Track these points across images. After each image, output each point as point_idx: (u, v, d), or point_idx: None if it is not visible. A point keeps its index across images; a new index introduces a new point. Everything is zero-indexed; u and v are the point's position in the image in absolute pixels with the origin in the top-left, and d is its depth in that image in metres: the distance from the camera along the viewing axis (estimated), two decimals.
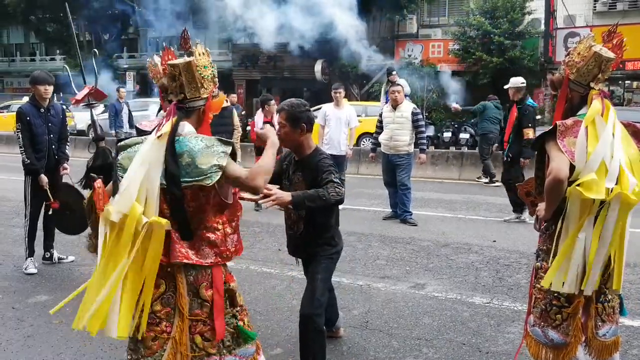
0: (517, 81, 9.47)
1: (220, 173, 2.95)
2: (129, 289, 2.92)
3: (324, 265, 4.07)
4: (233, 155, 3.05)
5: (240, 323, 3.21)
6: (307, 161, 4.00)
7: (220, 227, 3.12)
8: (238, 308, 3.23)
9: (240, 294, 3.33)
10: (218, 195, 3.05)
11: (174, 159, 2.94)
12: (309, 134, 4.02)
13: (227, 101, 10.12)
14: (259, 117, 10.77)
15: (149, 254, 2.90)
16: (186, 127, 3.08)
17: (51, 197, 6.51)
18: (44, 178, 6.47)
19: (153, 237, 2.89)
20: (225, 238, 3.13)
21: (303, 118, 3.95)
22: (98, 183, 3.06)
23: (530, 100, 9.59)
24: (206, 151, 2.97)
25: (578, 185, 3.18)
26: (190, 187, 2.95)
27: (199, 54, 3.09)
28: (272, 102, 10.62)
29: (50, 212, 6.64)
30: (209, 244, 3.08)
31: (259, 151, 10.81)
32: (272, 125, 10.59)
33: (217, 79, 3.22)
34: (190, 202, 2.99)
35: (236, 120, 9.89)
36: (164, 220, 2.90)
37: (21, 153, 6.49)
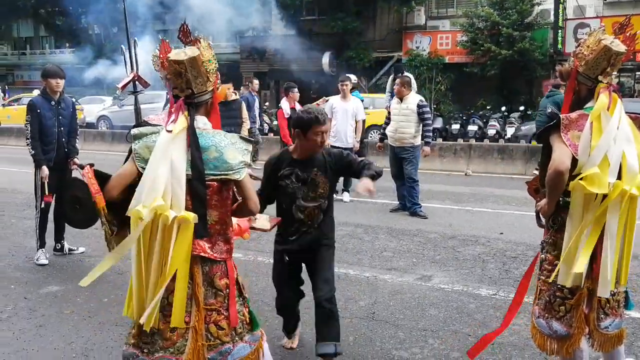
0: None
1: (246, 169, 3.04)
2: (154, 283, 2.97)
3: (331, 252, 4.26)
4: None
5: (246, 311, 3.30)
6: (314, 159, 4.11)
7: (230, 221, 3.19)
8: (243, 297, 3.30)
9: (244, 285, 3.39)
10: (234, 191, 3.13)
11: (199, 154, 2.97)
12: (300, 136, 4.06)
13: (235, 94, 10.17)
14: (284, 104, 10.94)
15: (178, 250, 2.93)
16: (202, 121, 3.12)
17: (47, 191, 6.55)
18: (45, 170, 6.53)
19: (180, 232, 2.93)
20: (231, 234, 3.21)
21: (294, 124, 4.09)
22: (86, 169, 3.04)
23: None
24: (232, 147, 3.05)
25: (581, 179, 3.20)
26: (218, 180, 3.01)
27: (204, 48, 3.07)
28: (295, 89, 11.18)
29: (42, 206, 6.67)
30: (225, 240, 3.14)
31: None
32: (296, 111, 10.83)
33: (218, 71, 3.24)
34: (213, 196, 3.04)
35: (244, 113, 9.96)
36: (191, 215, 2.92)
37: (27, 144, 6.58)
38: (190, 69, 3.02)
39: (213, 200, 3.04)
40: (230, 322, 3.15)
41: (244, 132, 9.84)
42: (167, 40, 3.18)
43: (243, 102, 10.31)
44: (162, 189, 2.89)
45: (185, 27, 3.12)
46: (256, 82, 16.16)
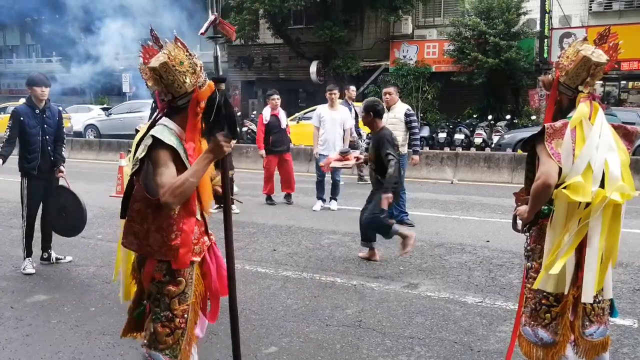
0: None
1: (137, 166, 2.97)
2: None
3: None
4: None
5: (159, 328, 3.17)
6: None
7: (164, 221, 3.05)
8: (168, 313, 3.15)
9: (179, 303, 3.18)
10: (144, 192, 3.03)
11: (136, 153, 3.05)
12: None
13: None
14: (265, 110, 10.94)
15: None
16: (168, 124, 3.08)
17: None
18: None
19: None
20: (148, 234, 3.07)
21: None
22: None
23: None
24: (142, 143, 3.02)
25: (564, 188, 3.22)
26: (133, 177, 3.07)
27: (173, 50, 3.01)
28: (277, 96, 11.04)
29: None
30: (161, 239, 3.05)
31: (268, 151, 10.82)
32: (278, 118, 10.84)
33: (200, 67, 3.11)
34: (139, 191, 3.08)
35: None
36: None
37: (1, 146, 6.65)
38: (166, 75, 2.99)
39: (139, 195, 3.06)
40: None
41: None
42: (150, 45, 3.13)
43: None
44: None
45: (153, 33, 3.13)
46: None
